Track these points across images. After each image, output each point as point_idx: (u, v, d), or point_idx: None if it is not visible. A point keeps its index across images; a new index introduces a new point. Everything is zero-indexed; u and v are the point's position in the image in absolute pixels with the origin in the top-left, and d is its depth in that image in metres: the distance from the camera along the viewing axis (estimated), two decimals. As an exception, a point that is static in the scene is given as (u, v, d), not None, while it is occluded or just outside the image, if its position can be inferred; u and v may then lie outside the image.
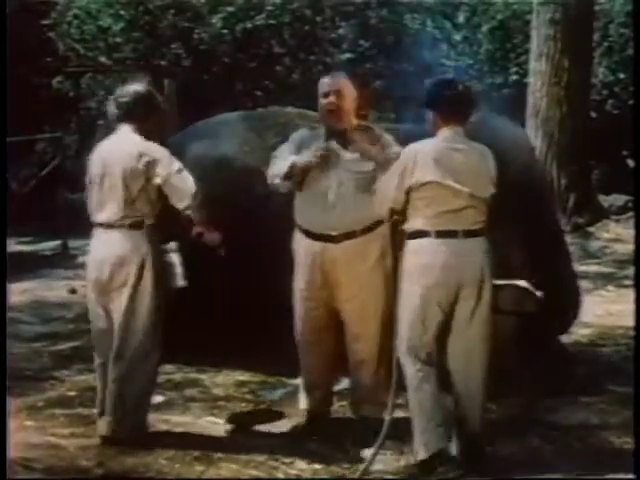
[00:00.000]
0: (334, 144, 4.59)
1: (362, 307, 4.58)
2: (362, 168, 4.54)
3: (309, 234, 4.60)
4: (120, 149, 4.59)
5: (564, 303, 5.50)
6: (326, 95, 4.61)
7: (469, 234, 4.18)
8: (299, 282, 4.68)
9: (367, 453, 4.33)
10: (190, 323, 5.42)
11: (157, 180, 4.51)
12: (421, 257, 4.20)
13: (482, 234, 4.23)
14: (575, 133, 11.19)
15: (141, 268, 4.53)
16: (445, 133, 4.26)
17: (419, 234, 4.21)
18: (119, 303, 4.56)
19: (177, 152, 5.75)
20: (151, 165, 4.51)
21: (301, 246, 4.65)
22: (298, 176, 4.57)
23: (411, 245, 4.24)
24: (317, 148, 4.54)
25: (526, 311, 5.36)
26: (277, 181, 4.63)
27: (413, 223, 4.23)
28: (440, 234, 4.16)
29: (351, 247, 4.54)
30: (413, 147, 4.31)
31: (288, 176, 4.57)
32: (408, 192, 4.22)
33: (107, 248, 4.59)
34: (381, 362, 4.59)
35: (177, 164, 4.55)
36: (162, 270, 4.60)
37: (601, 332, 6.52)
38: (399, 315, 4.28)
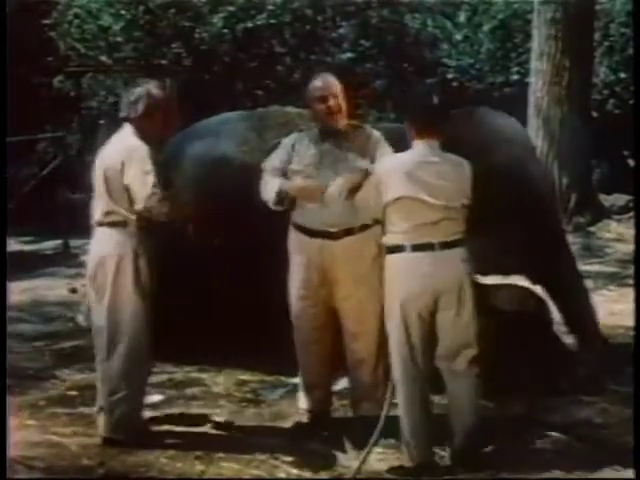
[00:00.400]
0: (326, 146, 4.62)
1: (360, 305, 4.59)
2: (357, 165, 4.56)
3: (307, 231, 4.61)
4: (110, 148, 4.65)
5: (571, 304, 5.50)
6: (323, 99, 4.62)
7: (446, 246, 4.21)
8: (296, 281, 4.68)
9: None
10: (191, 322, 5.43)
11: (124, 181, 4.53)
12: (399, 271, 4.24)
13: (460, 245, 4.25)
14: (576, 133, 11.18)
15: (119, 267, 4.55)
16: (419, 146, 4.28)
17: (396, 249, 4.24)
18: (104, 301, 4.59)
19: (178, 151, 5.79)
20: (125, 165, 4.52)
21: (298, 244, 4.66)
22: (288, 201, 4.59)
23: (389, 260, 4.28)
24: (305, 185, 4.53)
25: (527, 310, 5.38)
26: (269, 204, 4.65)
27: (390, 238, 4.27)
28: (416, 248, 4.20)
29: (350, 244, 4.56)
30: (387, 162, 4.39)
31: (277, 202, 4.60)
32: (385, 207, 4.26)
33: (94, 246, 4.67)
34: (379, 360, 4.59)
35: (147, 167, 4.52)
36: (146, 270, 4.60)
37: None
38: (386, 328, 4.32)
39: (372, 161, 4.57)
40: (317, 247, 4.59)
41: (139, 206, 4.52)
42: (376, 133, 4.73)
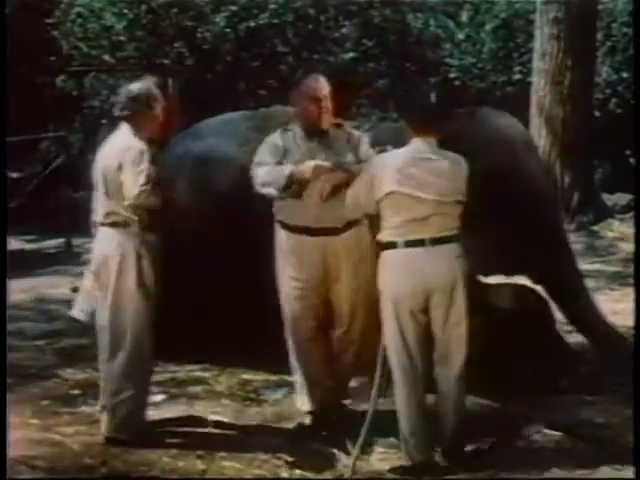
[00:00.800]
0: (313, 145, 4.67)
1: (354, 293, 4.68)
2: (347, 163, 4.63)
3: (308, 231, 4.62)
4: (107, 149, 4.64)
5: (571, 304, 5.50)
6: (316, 100, 4.67)
7: (437, 242, 4.22)
8: (290, 282, 4.69)
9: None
10: (193, 322, 5.44)
11: (121, 180, 4.53)
12: (392, 268, 4.27)
13: (453, 241, 4.26)
14: (578, 132, 11.17)
15: (122, 267, 4.55)
16: (416, 143, 4.31)
17: (389, 245, 4.27)
18: (107, 301, 4.60)
19: (179, 151, 5.79)
20: (121, 165, 4.52)
21: (296, 246, 4.66)
22: (296, 186, 4.58)
23: (383, 257, 4.31)
24: (316, 165, 4.54)
25: (527, 309, 5.39)
26: (271, 190, 4.64)
27: (384, 234, 4.30)
28: (408, 243, 4.21)
29: (349, 237, 4.64)
30: (381, 158, 4.42)
31: (285, 187, 4.59)
32: (377, 202, 4.28)
33: (97, 246, 4.68)
34: (365, 344, 4.69)
35: (140, 166, 4.51)
36: (149, 270, 4.61)
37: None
38: (383, 327, 4.34)
39: (357, 159, 4.65)
40: (320, 245, 4.62)
41: (128, 202, 4.53)
42: (356, 132, 4.82)
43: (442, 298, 4.22)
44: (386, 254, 4.28)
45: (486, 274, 5.32)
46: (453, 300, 4.24)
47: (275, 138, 4.77)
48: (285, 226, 4.69)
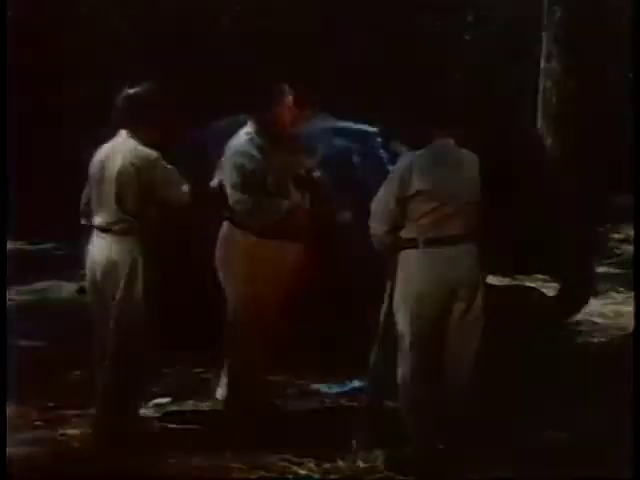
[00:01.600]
0: (281, 150, 4.81)
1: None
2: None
3: (291, 236, 4.76)
4: (114, 154, 4.62)
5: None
6: (288, 108, 4.85)
7: (457, 240, 4.26)
8: (265, 276, 4.75)
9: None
10: (197, 324, 5.44)
11: (150, 185, 4.54)
12: (412, 265, 4.30)
13: (471, 240, 4.31)
14: (585, 134, 11.16)
15: (131, 272, 4.55)
16: (436, 143, 4.37)
17: (410, 242, 4.30)
18: (114, 305, 4.58)
19: (187, 153, 5.78)
20: (142, 171, 4.52)
21: (273, 251, 4.74)
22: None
23: (404, 254, 4.33)
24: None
25: (531, 310, 5.42)
26: (255, 220, 4.76)
27: (406, 232, 4.32)
28: (429, 242, 4.25)
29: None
30: (406, 158, 4.46)
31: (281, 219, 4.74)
32: (403, 202, 4.29)
33: (100, 251, 4.64)
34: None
35: (168, 168, 4.56)
36: (156, 275, 4.61)
37: (609, 333, 6.54)
38: (396, 315, 4.34)
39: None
40: (297, 250, 4.80)
41: (179, 203, 4.60)
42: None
43: (465, 294, 4.26)
44: (406, 251, 4.31)
45: (504, 273, 5.36)
46: (473, 299, 4.27)
47: (245, 147, 4.80)
48: (251, 230, 4.75)
